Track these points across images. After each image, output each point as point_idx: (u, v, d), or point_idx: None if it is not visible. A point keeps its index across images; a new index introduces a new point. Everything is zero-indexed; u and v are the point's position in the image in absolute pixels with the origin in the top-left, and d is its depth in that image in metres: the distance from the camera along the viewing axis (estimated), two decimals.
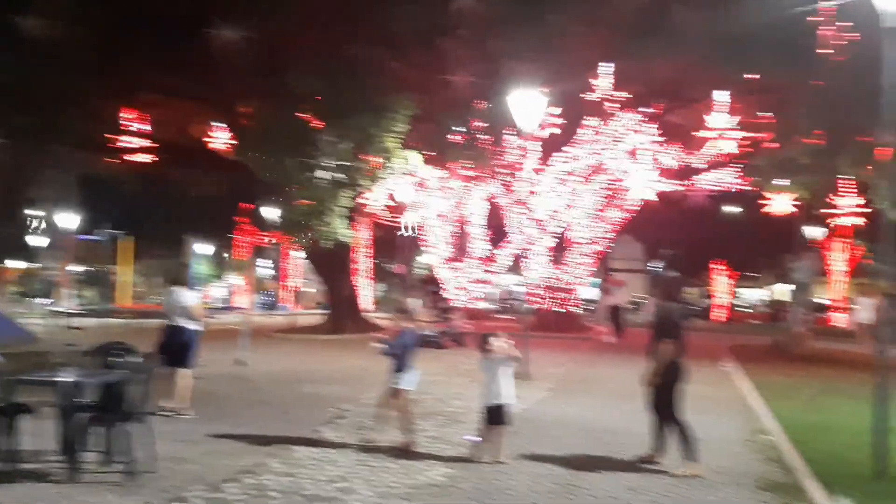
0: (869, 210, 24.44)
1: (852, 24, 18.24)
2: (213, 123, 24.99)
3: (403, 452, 8.10)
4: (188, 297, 10.26)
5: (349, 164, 18.96)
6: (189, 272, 40.56)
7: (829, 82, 18.96)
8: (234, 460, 7.59)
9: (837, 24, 19.06)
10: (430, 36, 22.01)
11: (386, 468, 7.50)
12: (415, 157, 20.62)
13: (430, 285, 23.09)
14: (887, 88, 7.89)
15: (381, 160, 19.76)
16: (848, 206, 27.04)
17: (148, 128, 25.40)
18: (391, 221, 36.38)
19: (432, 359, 17.46)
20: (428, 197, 31.74)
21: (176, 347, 10.04)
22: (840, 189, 26.03)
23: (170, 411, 9.71)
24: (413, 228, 36.76)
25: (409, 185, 30.43)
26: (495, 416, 8.02)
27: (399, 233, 37.15)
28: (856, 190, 25.89)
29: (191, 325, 10.14)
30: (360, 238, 34.74)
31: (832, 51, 19.21)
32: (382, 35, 20.89)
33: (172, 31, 20.56)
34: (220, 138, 24.98)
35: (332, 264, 25.52)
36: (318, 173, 19.14)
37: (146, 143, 25.44)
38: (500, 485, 7.03)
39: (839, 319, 40.00)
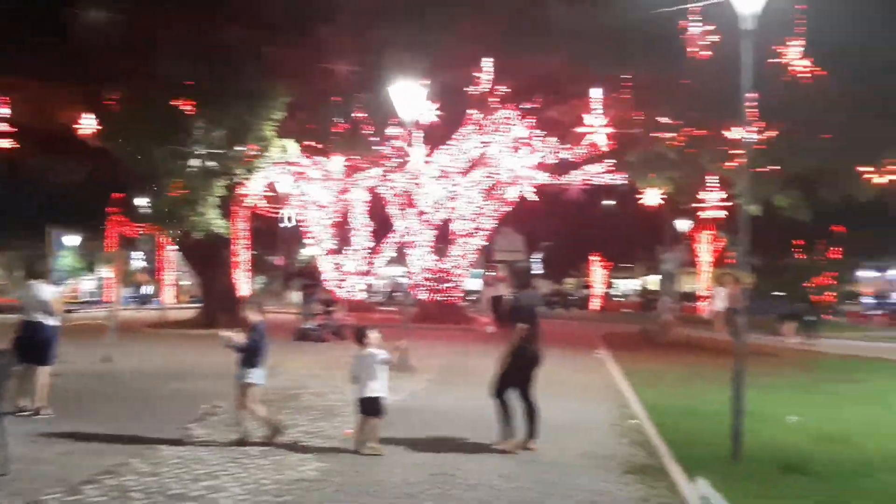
0: (730, 204, 25.78)
1: (714, 26, 19.19)
2: (79, 108, 23.73)
3: (276, 448, 7.93)
4: (47, 291, 9.68)
5: (223, 152, 18.36)
6: (50, 265, 38.42)
7: (695, 81, 19.88)
8: (94, 460, 7.22)
9: (703, 25, 19.99)
10: (310, 23, 21.64)
11: (257, 465, 7.31)
12: (293, 147, 20.20)
13: (311, 277, 22.73)
14: (744, 88, 8.31)
15: (257, 149, 19.24)
16: (712, 200, 28.44)
17: (7, 111, 23.88)
18: (271, 212, 35.66)
19: (312, 352, 17.25)
20: (308, 187, 31.30)
21: (33, 344, 9.47)
22: (706, 184, 27.35)
23: (29, 411, 9.17)
24: (294, 219, 36.17)
25: (288, 175, 29.91)
26: (369, 408, 8.00)
27: (280, 224, 36.48)
28: (719, 185, 27.28)
29: (49, 321, 9.58)
30: (237, 229, 33.88)
31: (698, 51, 20.13)
32: (259, 20, 20.38)
33: (36, 9, 19.36)
34: (86, 124, 23.73)
35: (206, 256, 24.74)
36: (191, 162, 18.45)
37: (5, 127, 23.92)
38: (374, 477, 6.99)
39: (703, 308, 42.08)
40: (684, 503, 6.33)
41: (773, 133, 20.19)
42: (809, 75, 20.10)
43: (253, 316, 8.18)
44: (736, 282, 30.38)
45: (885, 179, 21.16)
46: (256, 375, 8.10)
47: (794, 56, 20.70)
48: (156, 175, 19.53)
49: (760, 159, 19.65)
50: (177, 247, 27.36)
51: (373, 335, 8.17)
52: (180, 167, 18.54)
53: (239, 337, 8.05)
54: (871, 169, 21.01)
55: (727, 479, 6.85)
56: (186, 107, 19.39)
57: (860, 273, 51.62)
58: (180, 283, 46.05)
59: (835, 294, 24.52)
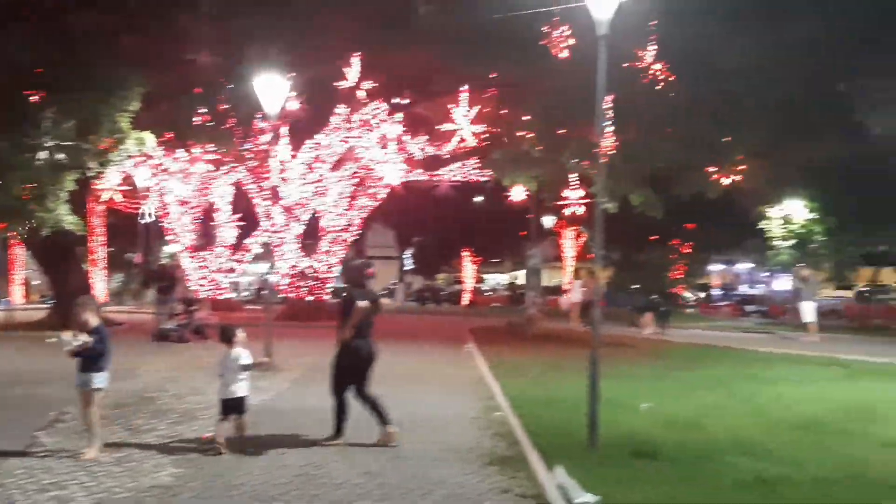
0: (590, 201, 26.81)
1: (571, 28, 19.88)
2: None
3: (130, 454, 7.60)
4: None
5: (74, 144, 17.36)
6: None
7: (557, 82, 20.50)
8: None
9: (563, 28, 20.65)
10: (170, 10, 20.80)
11: (109, 473, 6.98)
12: (150, 139, 19.37)
13: (169, 275, 21.88)
14: (600, 90, 8.64)
15: (111, 141, 18.30)
16: (574, 197, 29.47)
17: None
18: (129, 207, 34.11)
19: (172, 353, 16.65)
20: (168, 182, 30.19)
21: None
22: (568, 182, 28.30)
23: None
24: (153, 215, 34.75)
25: (146, 169, 28.72)
26: (231, 408, 7.89)
27: (139, 220, 34.95)
28: (579, 183, 28.29)
29: None
30: (92, 225, 32.23)
31: (559, 53, 20.79)
32: (115, 5, 19.42)
33: None
34: None
35: (56, 254, 23.37)
36: (39, 154, 17.34)
37: None
38: (233, 480, 6.82)
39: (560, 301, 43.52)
40: (542, 492, 6.52)
41: (629, 134, 21.13)
42: (663, 79, 21.17)
43: (90, 318, 7.53)
44: (590, 276, 31.63)
45: (729, 180, 22.57)
46: (99, 380, 7.62)
47: (650, 60, 21.76)
48: None
49: (617, 159, 20.52)
50: (24, 244, 25.72)
51: (240, 335, 8.07)
52: (27, 160, 17.39)
53: (79, 339, 7.45)
54: (717, 169, 22.34)
55: (583, 466, 7.11)
56: (34, 96, 18.22)
57: (710, 267, 54.94)
58: (31, 281, 43.41)
59: (686, 287, 25.93)
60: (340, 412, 8.35)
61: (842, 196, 27.31)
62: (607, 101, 8.34)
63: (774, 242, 30.94)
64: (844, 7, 21.08)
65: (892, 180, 16.41)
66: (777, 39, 19.41)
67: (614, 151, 20.46)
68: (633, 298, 25.31)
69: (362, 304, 8.33)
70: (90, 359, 7.49)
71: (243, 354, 8.03)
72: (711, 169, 22.23)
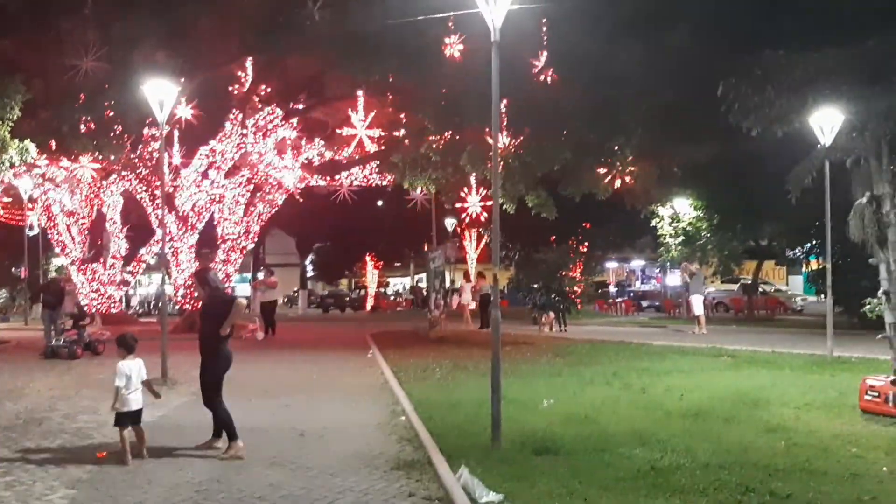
0: (489, 203, 27.18)
1: (463, 35, 20.14)
2: None
3: (20, 477, 7.25)
4: None
5: None
6: None
7: (454, 87, 20.71)
8: None
9: (457, 34, 20.89)
10: (51, 15, 19.96)
11: None
12: (33, 149, 18.53)
13: (56, 289, 20.93)
14: (495, 94, 8.79)
15: None
16: (474, 199, 29.84)
17: None
18: (13, 220, 32.58)
19: (62, 371, 15.95)
20: (54, 192, 28.96)
21: None
22: (469, 184, 28.64)
23: None
24: (39, 227, 33.32)
25: (29, 179, 27.48)
26: (124, 420, 7.83)
27: (26, 232, 33.39)
28: (477, 185, 28.68)
29: None
30: None
31: (455, 57, 21.01)
32: None
33: None
34: None
35: None
36: None
37: None
38: (131, 499, 6.60)
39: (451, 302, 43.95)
40: (447, 493, 6.58)
41: (522, 137, 21.55)
42: (552, 83, 21.70)
43: None
44: (480, 276, 32.05)
45: (618, 182, 23.33)
46: None
47: (541, 66, 22.28)
48: None
49: (512, 161, 20.92)
50: None
51: (132, 343, 7.99)
52: None
53: None
54: (606, 171, 23.09)
55: (487, 465, 7.22)
56: None
57: (606, 264, 56.58)
58: None
59: (583, 284, 26.64)
60: (227, 416, 8.33)
61: (724, 194, 28.67)
62: (502, 105, 8.53)
63: (665, 240, 32.19)
64: (721, 13, 22.21)
65: (769, 178, 17.46)
66: (659, 45, 20.20)
67: (511, 153, 20.84)
68: (534, 297, 25.76)
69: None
70: None
71: (142, 366, 7.95)
72: (602, 171, 22.94)
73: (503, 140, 19.17)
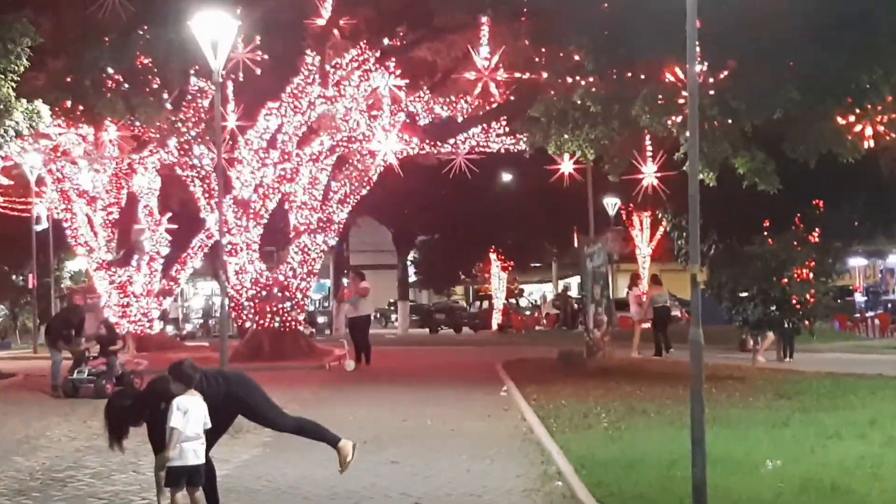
0: (673, 172, 26.63)
1: None
2: None
3: None
4: None
5: None
6: None
7: (616, 2, 20.37)
8: None
9: None
10: None
11: None
12: (45, 111, 19.45)
13: (79, 304, 21.93)
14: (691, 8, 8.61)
15: None
16: (650, 167, 29.23)
17: None
18: (14, 210, 34.24)
19: (86, 414, 16.64)
20: (72, 171, 30.30)
21: None
22: (644, 145, 28.03)
23: None
24: (50, 220, 34.85)
25: (37, 154, 28.78)
26: (175, 478, 8.01)
27: (32, 226, 35.10)
28: (654, 147, 28.04)
29: None
30: None
31: None
32: None
33: None
34: None
35: None
36: None
37: None
38: None
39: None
40: None
41: (725, 71, 20.90)
42: None
43: None
44: (655, 281, 31.37)
45: (870, 137, 22.01)
46: None
47: None
48: None
49: (710, 107, 20.29)
50: None
51: (192, 374, 8.23)
52: None
53: None
54: (855, 118, 21.90)
55: None
56: None
57: (850, 261, 54.32)
58: None
59: (817, 291, 25.59)
60: (312, 425, 9.02)
61: None
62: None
63: None
64: None
65: None
66: None
67: (709, 96, 20.24)
68: (742, 310, 25.08)
69: None
70: None
71: (205, 408, 8.12)
72: (847, 119, 21.84)
73: (698, 74, 18.65)
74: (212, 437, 8.36)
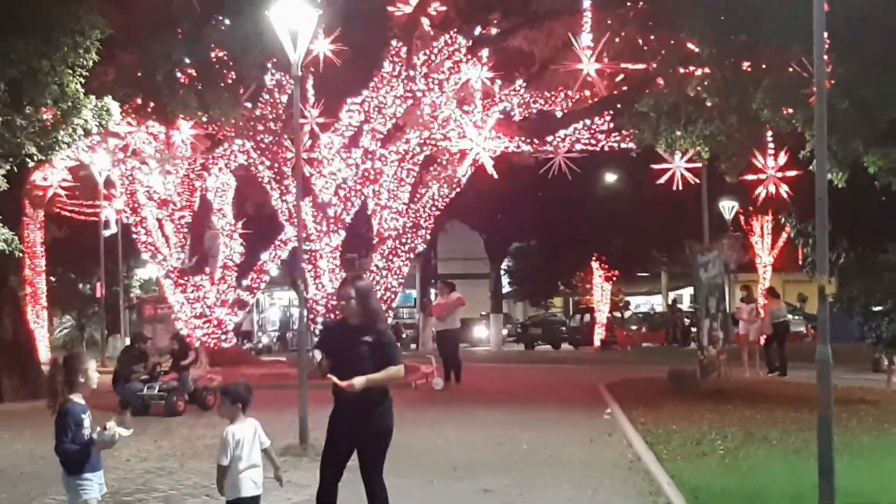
0: (797, 172, 26.25)
1: None
2: None
3: None
4: None
5: (1, 118, 17.97)
6: None
7: None
8: None
9: None
10: None
11: None
12: (115, 108, 19.88)
13: (148, 315, 22.41)
14: None
15: (57, 111, 18.86)
16: (772, 167, 28.85)
17: None
18: (82, 213, 35.04)
19: (157, 433, 16.99)
20: (142, 172, 30.88)
21: None
22: (766, 142, 27.67)
23: None
24: (119, 224, 35.54)
25: (106, 154, 29.41)
26: None
27: (100, 232, 35.84)
28: (775, 145, 27.67)
29: None
30: (32, 243, 33.26)
31: None
32: None
33: None
34: None
35: None
36: None
37: None
38: None
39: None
40: None
41: (855, 63, 20.56)
42: None
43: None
44: (772, 294, 30.76)
45: None
46: (88, 487, 7.97)
47: None
48: None
49: (840, 100, 19.98)
50: None
51: (246, 396, 8.31)
52: None
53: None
54: None
55: None
56: None
57: None
58: None
59: None
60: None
61: None
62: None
63: None
64: None
65: None
66: None
67: (838, 88, 19.94)
68: (876, 326, 24.63)
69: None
70: (67, 456, 7.83)
71: (259, 430, 8.19)
72: None
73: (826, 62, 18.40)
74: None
